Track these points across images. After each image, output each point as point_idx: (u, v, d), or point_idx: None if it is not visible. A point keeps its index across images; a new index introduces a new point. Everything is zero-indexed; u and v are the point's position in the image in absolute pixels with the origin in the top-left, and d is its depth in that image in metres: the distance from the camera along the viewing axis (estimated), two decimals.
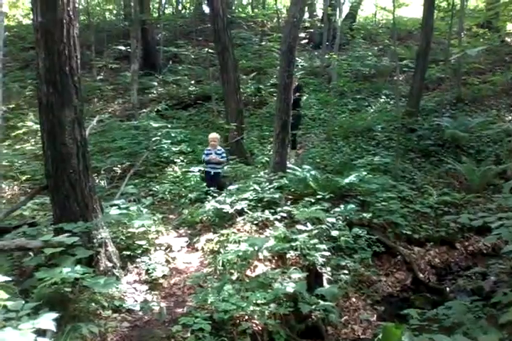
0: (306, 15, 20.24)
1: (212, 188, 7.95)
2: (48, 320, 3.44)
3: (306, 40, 20.80)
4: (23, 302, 3.88)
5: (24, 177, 10.05)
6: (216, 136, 8.78)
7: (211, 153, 8.50)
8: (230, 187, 7.91)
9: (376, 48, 19.11)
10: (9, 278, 4.16)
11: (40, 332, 3.60)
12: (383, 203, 7.91)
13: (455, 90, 14.08)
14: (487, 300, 5.41)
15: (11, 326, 3.40)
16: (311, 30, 20.40)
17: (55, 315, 3.56)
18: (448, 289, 6.90)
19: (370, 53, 17.80)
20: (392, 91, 14.82)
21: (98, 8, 23.22)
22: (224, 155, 8.69)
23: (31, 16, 5.52)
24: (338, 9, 16.92)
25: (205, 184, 8.44)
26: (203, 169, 8.82)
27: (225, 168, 9.27)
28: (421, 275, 7.18)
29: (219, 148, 8.68)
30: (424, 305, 6.24)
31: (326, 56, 16.71)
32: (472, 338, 3.88)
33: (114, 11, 24.39)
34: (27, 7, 22.46)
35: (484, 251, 7.92)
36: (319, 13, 22.65)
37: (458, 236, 8.08)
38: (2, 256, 5.46)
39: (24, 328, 3.33)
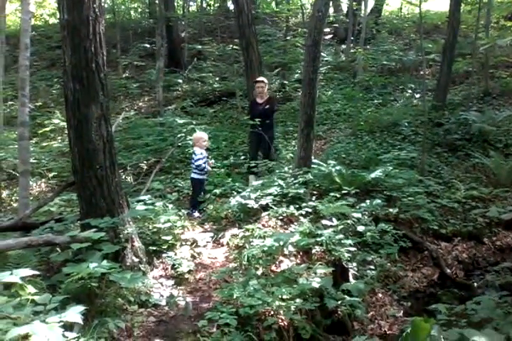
0: (331, 10, 20.13)
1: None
2: (75, 314, 3.48)
3: (331, 35, 20.70)
4: (51, 296, 3.94)
5: (51, 174, 10.20)
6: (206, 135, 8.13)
7: (205, 157, 7.90)
8: (254, 183, 7.87)
9: (402, 42, 18.91)
10: (37, 273, 4.24)
11: (67, 327, 3.65)
12: (410, 198, 7.80)
13: (482, 84, 13.85)
14: None
15: (39, 319, 3.45)
16: (336, 25, 20.29)
17: (82, 308, 3.61)
18: (476, 284, 6.78)
19: (395, 47, 17.60)
20: (418, 86, 14.64)
21: (123, 7, 23.40)
22: None
23: (58, 15, 5.57)
24: (363, 4, 16.80)
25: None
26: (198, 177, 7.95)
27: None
28: (448, 270, 7.07)
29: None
30: (452, 301, 6.15)
31: (351, 51, 16.61)
32: (502, 333, 3.82)
33: (139, 9, 24.56)
34: (53, 7, 22.73)
35: None
36: (344, 7, 22.49)
37: (486, 231, 7.93)
38: (30, 252, 5.53)
39: (51, 321, 3.38)
